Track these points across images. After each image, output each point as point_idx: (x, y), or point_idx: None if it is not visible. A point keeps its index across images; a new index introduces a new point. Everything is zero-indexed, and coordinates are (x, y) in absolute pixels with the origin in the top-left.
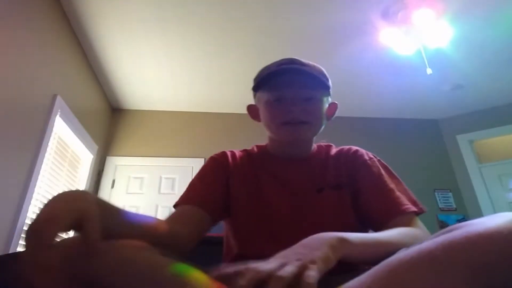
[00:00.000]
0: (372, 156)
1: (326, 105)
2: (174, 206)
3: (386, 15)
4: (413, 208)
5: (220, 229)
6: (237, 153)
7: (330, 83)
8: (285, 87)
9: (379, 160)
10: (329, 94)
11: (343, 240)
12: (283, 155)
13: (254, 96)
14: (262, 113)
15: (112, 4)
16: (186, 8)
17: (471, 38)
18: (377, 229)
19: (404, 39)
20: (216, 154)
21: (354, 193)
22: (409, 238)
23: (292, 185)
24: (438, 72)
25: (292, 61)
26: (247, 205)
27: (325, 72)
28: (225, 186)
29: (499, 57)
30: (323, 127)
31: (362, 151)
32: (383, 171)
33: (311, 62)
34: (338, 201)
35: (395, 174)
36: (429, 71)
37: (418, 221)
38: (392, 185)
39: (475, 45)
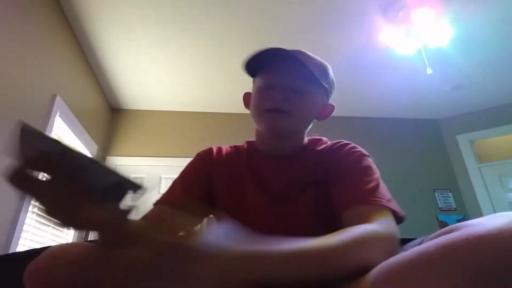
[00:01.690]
0: (358, 150)
1: (319, 102)
2: (154, 204)
3: (387, 14)
4: (383, 202)
5: None
6: (225, 150)
7: (329, 82)
8: (277, 74)
9: (362, 156)
10: (325, 93)
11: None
12: (268, 150)
13: (253, 82)
14: (252, 100)
15: (111, 5)
16: (185, 8)
17: (472, 37)
18: (339, 221)
19: (404, 38)
20: (202, 151)
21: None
22: (354, 243)
23: (275, 186)
24: (438, 72)
25: (295, 51)
26: (230, 206)
27: (329, 71)
28: (206, 186)
29: (500, 57)
30: (310, 124)
31: (349, 145)
32: (362, 165)
33: (317, 57)
34: (319, 199)
35: (375, 172)
36: (429, 71)
37: (385, 215)
38: (366, 178)
39: (475, 45)
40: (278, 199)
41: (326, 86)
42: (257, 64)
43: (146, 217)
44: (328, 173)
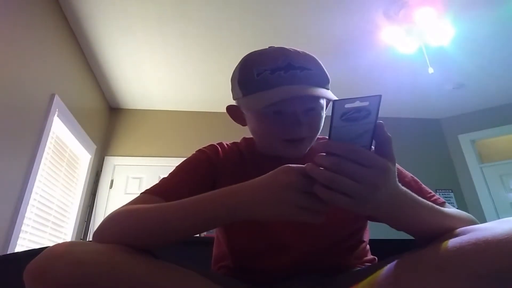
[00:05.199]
0: None
1: (325, 106)
2: (144, 193)
3: (388, 13)
4: (440, 199)
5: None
6: (228, 148)
7: (329, 80)
8: (287, 101)
9: None
10: (329, 88)
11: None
12: (277, 155)
13: (237, 98)
14: (253, 122)
15: (110, 3)
16: (185, 7)
17: (473, 37)
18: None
19: (405, 37)
20: (207, 149)
21: None
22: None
23: None
24: (440, 71)
25: (289, 65)
26: None
27: (323, 66)
28: (207, 188)
29: (502, 56)
30: None
31: None
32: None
33: (308, 58)
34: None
35: (405, 171)
36: (430, 70)
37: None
38: (407, 179)
39: (477, 44)
40: None
41: (329, 88)
42: (252, 81)
43: (132, 204)
44: None
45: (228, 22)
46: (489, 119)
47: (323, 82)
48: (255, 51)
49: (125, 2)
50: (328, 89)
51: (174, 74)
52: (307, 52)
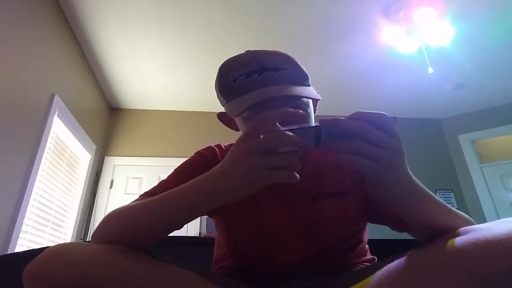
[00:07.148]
0: None
1: (312, 102)
2: (143, 195)
3: (388, 13)
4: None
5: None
6: (225, 150)
7: (307, 75)
8: (265, 103)
9: None
10: (309, 84)
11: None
12: None
13: (223, 106)
14: (242, 127)
15: (110, 3)
16: (185, 6)
17: (473, 37)
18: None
19: (405, 37)
20: (203, 150)
21: (365, 198)
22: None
23: (287, 194)
24: (440, 71)
25: (262, 67)
26: (239, 216)
27: (299, 63)
28: None
29: (502, 57)
30: None
31: None
32: None
33: (282, 57)
34: (340, 209)
35: None
36: (430, 70)
37: None
38: None
39: (477, 44)
40: (292, 207)
41: (309, 82)
42: (230, 88)
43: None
44: (353, 183)
45: (227, 22)
46: (489, 119)
47: (300, 79)
48: (230, 57)
49: (125, 2)
50: (308, 85)
51: (174, 74)
52: (281, 51)
